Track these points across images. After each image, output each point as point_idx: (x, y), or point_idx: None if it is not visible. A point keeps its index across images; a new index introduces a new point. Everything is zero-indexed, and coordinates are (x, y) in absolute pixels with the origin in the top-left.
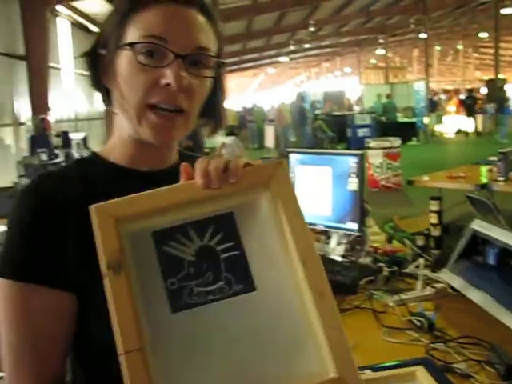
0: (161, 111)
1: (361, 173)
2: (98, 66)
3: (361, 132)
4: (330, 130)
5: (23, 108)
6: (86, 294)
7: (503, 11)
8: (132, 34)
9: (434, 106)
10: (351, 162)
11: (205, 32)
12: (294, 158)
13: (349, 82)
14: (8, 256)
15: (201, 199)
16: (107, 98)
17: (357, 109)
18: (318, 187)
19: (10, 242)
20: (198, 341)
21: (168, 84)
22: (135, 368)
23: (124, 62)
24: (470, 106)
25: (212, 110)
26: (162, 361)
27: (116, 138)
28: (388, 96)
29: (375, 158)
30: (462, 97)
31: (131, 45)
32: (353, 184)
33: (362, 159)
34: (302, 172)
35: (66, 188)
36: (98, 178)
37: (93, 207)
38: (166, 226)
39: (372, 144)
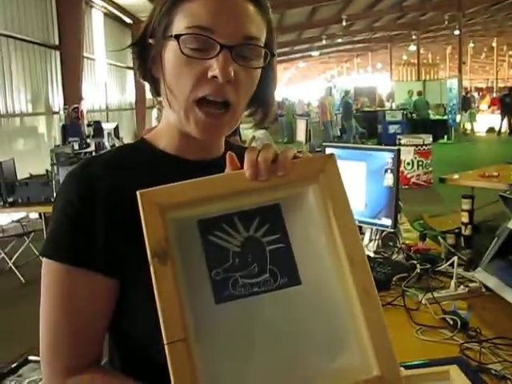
0: (207, 107)
1: (396, 169)
2: (146, 55)
3: (392, 128)
4: (361, 126)
5: (56, 97)
6: (127, 282)
7: None
8: (179, 24)
9: (467, 104)
10: (387, 157)
11: (254, 21)
12: (329, 152)
13: (380, 78)
14: (55, 238)
15: (248, 190)
16: (155, 89)
17: (388, 105)
18: (353, 182)
19: (57, 225)
20: (242, 332)
21: (215, 76)
22: (179, 358)
23: (170, 53)
24: (508, 104)
25: (261, 100)
26: (205, 351)
27: (164, 126)
28: (419, 93)
29: (406, 154)
30: (497, 95)
31: (177, 36)
32: (388, 180)
33: (398, 155)
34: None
35: (114, 173)
36: (147, 164)
37: (139, 193)
38: (212, 215)
39: (403, 141)
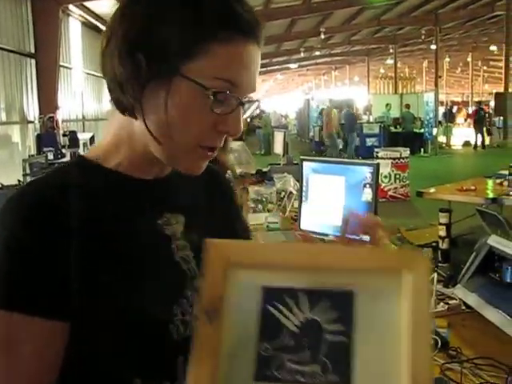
0: (204, 151)
1: (375, 183)
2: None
3: (369, 141)
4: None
5: (31, 106)
6: (84, 322)
7: None
8: (202, 67)
9: (451, 117)
10: (365, 172)
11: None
12: (307, 166)
13: (358, 91)
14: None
15: (324, 266)
16: (129, 106)
17: (365, 118)
18: (331, 196)
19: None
20: None
21: (227, 131)
22: None
23: (186, 94)
24: (481, 118)
25: None
26: None
27: (115, 143)
28: (407, 106)
29: (383, 168)
30: (472, 109)
31: (206, 88)
32: (367, 195)
33: (377, 170)
34: (315, 181)
35: (66, 198)
36: (102, 188)
37: (207, 241)
38: (279, 285)
39: (381, 154)
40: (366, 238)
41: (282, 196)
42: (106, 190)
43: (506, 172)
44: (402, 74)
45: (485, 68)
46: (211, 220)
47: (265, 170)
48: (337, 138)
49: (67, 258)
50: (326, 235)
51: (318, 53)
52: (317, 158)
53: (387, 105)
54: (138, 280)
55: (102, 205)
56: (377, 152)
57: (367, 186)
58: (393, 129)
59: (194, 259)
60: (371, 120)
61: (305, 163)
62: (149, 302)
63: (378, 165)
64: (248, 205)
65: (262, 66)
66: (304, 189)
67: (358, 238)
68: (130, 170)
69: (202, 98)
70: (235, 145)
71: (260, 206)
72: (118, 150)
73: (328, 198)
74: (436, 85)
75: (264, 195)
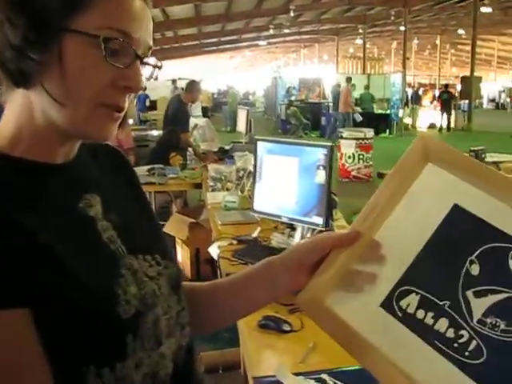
0: (106, 109)
1: (329, 166)
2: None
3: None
4: (305, 118)
5: None
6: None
7: (482, 9)
8: (91, 21)
9: (417, 99)
10: (320, 153)
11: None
12: (261, 146)
13: (326, 71)
14: None
15: None
16: (24, 79)
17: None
18: (285, 178)
19: None
20: None
21: (128, 87)
22: None
23: (79, 49)
24: (447, 101)
25: None
26: None
27: (18, 127)
28: (366, 87)
29: (347, 148)
30: (438, 92)
31: (96, 36)
32: (320, 177)
33: (331, 151)
34: (270, 161)
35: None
36: (10, 179)
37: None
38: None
39: (345, 134)
40: None
41: (241, 175)
42: (14, 181)
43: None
44: (370, 55)
45: (452, 51)
46: (122, 200)
47: (227, 147)
48: (350, 118)
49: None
50: (279, 217)
51: (287, 30)
52: (271, 139)
53: (353, 85)
54: (76, 268)
55: (20, 199)
56: (341, 132)
57: (321, 167)
58: (358, 109)
59: (118, 238)
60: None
61: (259, 143)
62: (91, 287)
63: (332, 147)
64: (207, 183)
65: (231, 41)
66: (258, 169)
67: None
68: (37, 154)
69: (95, 49)
70: (200, 121)
71: (219, 185)
72: (20, 134)
73: (282, 180)
74: (404, 66)
75: (224, 173)
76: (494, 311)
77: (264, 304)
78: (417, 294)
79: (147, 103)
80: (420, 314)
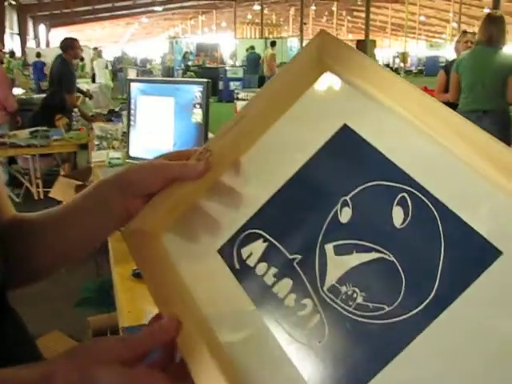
0: None
1: (205, 103)
2: None
3: (233, 85)
4: None
5: None
6: None
7: None
8: None
9: None
10: (195, 91)
11: None
12: (134, 87)
13: (225, 37)
14: None
15: None
16: None
17: (230, 62)
18: (161, 120)
19: None
20: None
21: None
22: None
23: None
24: None
25: None
26: None
27: None
28: (251, 47)
29: None
30: None
31: None
32: (196, 115)
33: (207, 88)
34: (144, 103)
35: None
36: None
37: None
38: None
39: (241, 95)
40: None
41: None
42: None
43: None
44: (269, 21)
45: (349, 18)
46: None
47: (117, 109)
48: None
49: None
50: None
51: None
52: (145, 78)
53: (247, 48)
54: None
55: None
56: (237, 93)
57: (197, 106)
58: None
59: None
60: (237, 65)
61: (132, 84)
62: None
63: (207, 83)
64: (93, 142)
65: (125, 7)
66: (132, 112)
67: None
68: None
69: None
70: (93, 87)
71: (104, 143)
72: None
73: (158, 122)
74: (301, 31)
75: (109, 132)
76: (354, 277)
77: (102, 233)
78: (265, 240)
79: (46, 71)
80: (261, 269)
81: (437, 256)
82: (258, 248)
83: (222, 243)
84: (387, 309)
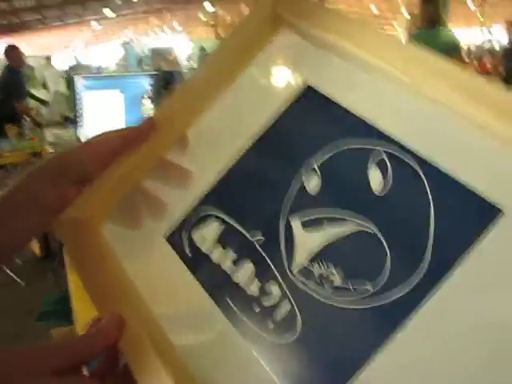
0: None
1: (156, 96)
2: None
3: None
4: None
5: None
6: None
7: None
8: None
9: None
10: (145, 83)
11: None
12: (80, 83)
13: (178, 39)
14: None
15: None
16: None
17: (186, 64)
18: (110, 114)
19: None
20: None
21: None
22: None
23: None
24: None
25: None
26: None
27: None
28: (202, 49)
29: None
30: None
31: None
32: (147, 108)
33: (157, 80)
34: (91, 98)
35: None
36: None
37: None
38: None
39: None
40: None
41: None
42: None
43: None
44: (224, 22)
45: None
46: None
47: (72, 116)
48: None
49: None
50: None
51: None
52: (89, 74)
53: (201, 48)
54: None
55: None
56: None
57: (147, 98)
58: None
59: None
60: (195, 66)
61: (77, 79)
62: None
63: (157, 75)
64: (46, 150)
65: (76, 14)
66: (79, 111)
67: None
68: None
69: None
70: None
71: (59, 150)
72: None
73: (107, 117)
74: None
75: (63, 138)
76: (329, 255)
77: (34, 230)
78: (221, 222)
79: None
80: (217, 255)
81: (426, 224)
82: (212, 231)
83: (170, 229)
84: (372, 290)
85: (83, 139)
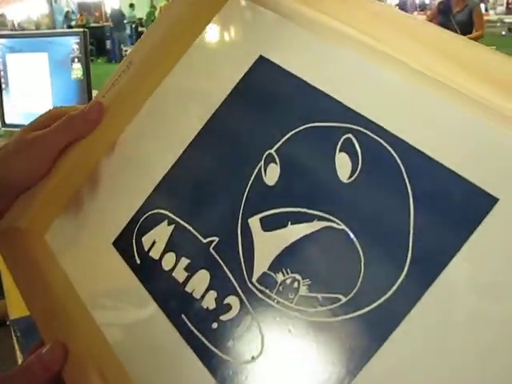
0: None
1: (84, 56)
2: None
3: (123, 45)
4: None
5: None
6: None
7: None
8: None
9: None
10: (72, 43)
11: None
12: (1, 44)
13: None
14: None
15: None
16: None
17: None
18: (36, 79)
19: None
20: None
21: None
22: None
23: None
24: None
25: None
26: None
27: None
28: (151, 7)
29: None
30: None
31: None
32: (76, 71)
33: (85, 39)
34: (14, 61)
35: None
36: None
37: None
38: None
39: (129, 51)
40: None
41: None
42: None
43: None
44: None
45: None
46: None
47: None
48: None
49: None
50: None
51: None
52: (10, 33)
53: (131, 5)
54: None
55: None
56: (125, 50)
57: (76, 60)
58: (141, 29)
59: None
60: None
61: None
62: None
63: (85, 33)
64: None
65: None
66: (3, 74)
67: None
68: None
69: None
70: None
71: None
72: None
73: (33, 82)
74: None
75: None
76: (292, 259)
77: None
78: (170, 222)
79: None
80: (168, 261)
81: (405, 216)
82: (162, 233)
83: (117, 233)
84: (343, 299)
85: (8, 104)
